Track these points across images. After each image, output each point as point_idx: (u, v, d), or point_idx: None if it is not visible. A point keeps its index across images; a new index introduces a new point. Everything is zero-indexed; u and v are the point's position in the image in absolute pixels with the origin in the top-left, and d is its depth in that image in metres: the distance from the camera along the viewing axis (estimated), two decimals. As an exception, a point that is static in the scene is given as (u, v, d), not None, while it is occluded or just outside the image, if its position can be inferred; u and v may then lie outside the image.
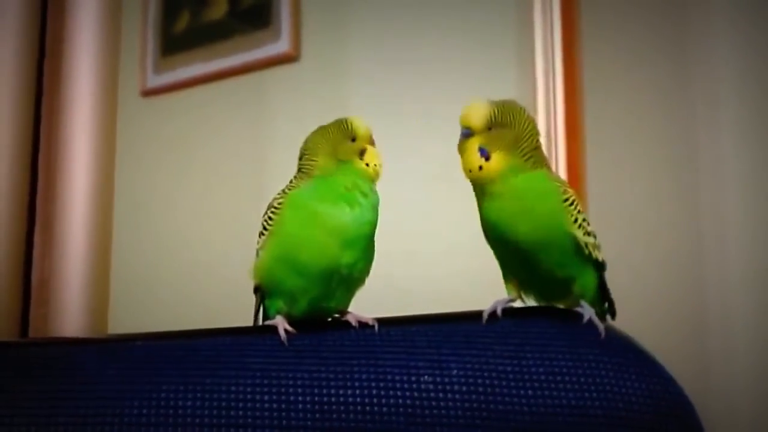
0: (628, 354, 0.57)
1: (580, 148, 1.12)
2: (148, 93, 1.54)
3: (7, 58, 1.29)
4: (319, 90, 1.35)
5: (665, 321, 1.01)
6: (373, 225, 0.63)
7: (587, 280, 0.62)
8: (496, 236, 0.62)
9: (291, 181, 0.66)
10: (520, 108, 0.64)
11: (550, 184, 0.61)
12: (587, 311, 0.59)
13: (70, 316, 1.21)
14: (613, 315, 0.65)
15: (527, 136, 0.62)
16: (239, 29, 1.44)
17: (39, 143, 1.31)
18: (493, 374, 0.55)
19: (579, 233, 0.60)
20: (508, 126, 0.62)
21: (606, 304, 0.65)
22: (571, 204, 0.61)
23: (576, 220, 0.60)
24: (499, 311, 0.60)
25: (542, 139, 0.65)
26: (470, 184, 0.63)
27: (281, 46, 1.39)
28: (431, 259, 1.18)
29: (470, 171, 0.61)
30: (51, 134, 1.30)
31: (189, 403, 0.55)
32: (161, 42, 1.54)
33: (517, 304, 0.63)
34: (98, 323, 1.25)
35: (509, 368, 0.55)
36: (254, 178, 1.38)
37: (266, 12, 1.41)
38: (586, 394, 0.53)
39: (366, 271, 0.64)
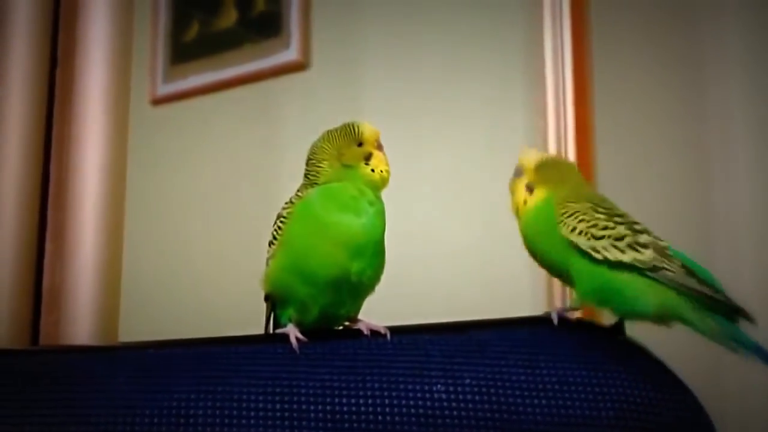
0: (643, 363, 0.56)
1: (591, 152, 1.12)
2: (158, 101, 1.55)
3: (19, 66, 1.29)
4: (329, 98, 1.35)
5: (677, 328, 1.01)
6: (381, 232, 0.63)
7: (589, 283, 0.62)
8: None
9: (298, 190, 0.66)
10: (568, 159, 0.72)
11: (549, 206, 0.65)
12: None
13: (80, 324, 1.22)
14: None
15: (570, 175, 0.68)
16: (249, 38, 1.45)
17: (50, 151, 1.32)
18: (507, 384, 0.54)
19: (580, 239, 0.62)
20: (553, 167, 0.68)
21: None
22: (570, 216, 0.63)
23: (574, 229, 0.62)
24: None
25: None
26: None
27: (291, 54, 1.39)
28: (443, 265, 1.18)
29: (517, 209, 0.67)
30: (62, 142, 1.31)
31: (200, 411, 0.55)
32: (171, 50, 1.54)
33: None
34: (109, 330, 1.25)
35: (522, 377, 0.54)
36: (264, 187, 1.38)
37: (276, 20, 1.41)
38: (600, 404, 0.53)
39: (376, 278, 0.64)
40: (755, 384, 0.98)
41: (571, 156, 1.10)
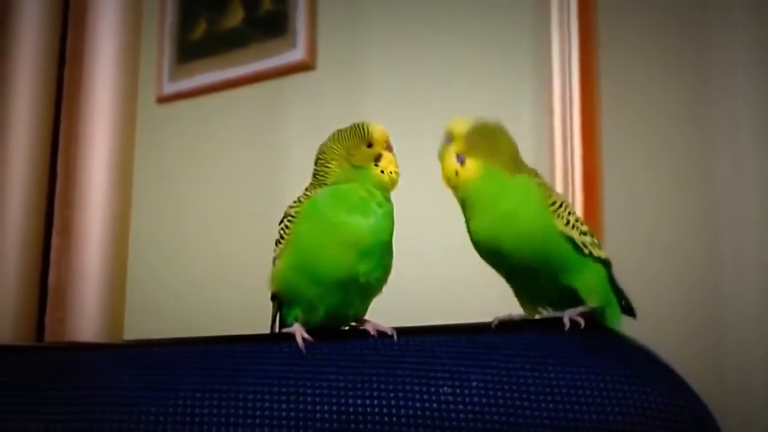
0: (651, 367, 0.56)
1: (597, 153, 1.12)
2: (164, 100, 1.55)
3: (28, 64, 1.30)
4: (335, 98, 1.35)
5: (682, 332, 1.00)
6: (389, 234, 0.63)
7: (592, 280, 0.62)
8: (486, 250, 0.62)
9: (306, 189, 0.65)
10: (501, 125, 0.66)
11: (531, 189, 0.62)
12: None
13: (86, 321, 1.22)
14: (633, 314, 0.65)
15: (503, 145, 0.64)
16: (255, 37, 1.45)
17: (57, 148, 1.32)
18: (514, 387, 0.54)
19: (574, 234, 0.60)
20: (485, 137, 0.63)
21: (622, 302, 0.65)
22: (560, 206, 0.61)
23: (568, 222, 0.61)
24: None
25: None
26: (453, 197, 0.64)
27: (297, 54, 1.39)
28: (449, 267, 1.17)
29: (448, 179, 0.63)
30: (69, 140, 1.31)
31: (206, 410, 0.55)
32: (178, 49, 1.54)
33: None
34: (114, 328, 1.25)
35: (530, 380, 0.54)
36: (270, 186, 1.38)
37: (282, 20, 1.41)
38: (608, 408, 0.53)
39: (383, 280, 0.63)
40: (756, 384, 0.98)
41: (578, 157, 1.10)
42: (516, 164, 0.64)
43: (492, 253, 0.62)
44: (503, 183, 0.62)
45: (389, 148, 0.65)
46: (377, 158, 0.64)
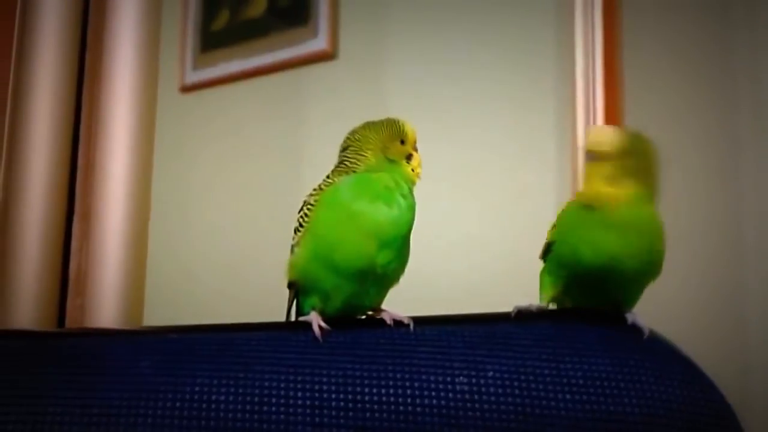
0: (669, 359, 0.55)
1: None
2: (187, 89, 1.55)
3: (49, 51, 1.31)
4: (356, 88, 1.35)
5: (705, 326, 0.99)
6: (410, 226, 0.62)
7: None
8: (594, 266, 0.59)
9: (328, 176, 0.65)
10: (648, 139, 0.62)
11: (661, 226, 0.61)
12: (631, 315, 0.59)
13: (106, 308, 1.23)
14: None
15: (654, 168, 0.61)
16: (277, 27, 1.45)
17: (79, 136, 1.33)
18: (530, 377, 0.54)
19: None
20: (636, 155, 0.60)
21: None
22: None
23: None
24: (513, 312, 0.60)
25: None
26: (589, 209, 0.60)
27: (319, 43, 1.39)
28: (464, 258, 1.17)
29: (595, 200, 0.60)
30: (91, 128, 1.32)
31: (222, 397, 0.55)
32: (200, 38, 1.55)
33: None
34: (133, 315, 1.26)
35: (546, 371, 0.54)
36: (290, 175, 1.38)
37: (304, 10, 1.41)
38: (626, 400, 0.52)
39: (401, 271, 0.63)
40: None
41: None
42: (656, 189, 0.61)
43: (594, 271, 0.60)
44: (646, 214, 0.60)
45: (416, 149, 0.66)
46: (408, 157, 0.65)
